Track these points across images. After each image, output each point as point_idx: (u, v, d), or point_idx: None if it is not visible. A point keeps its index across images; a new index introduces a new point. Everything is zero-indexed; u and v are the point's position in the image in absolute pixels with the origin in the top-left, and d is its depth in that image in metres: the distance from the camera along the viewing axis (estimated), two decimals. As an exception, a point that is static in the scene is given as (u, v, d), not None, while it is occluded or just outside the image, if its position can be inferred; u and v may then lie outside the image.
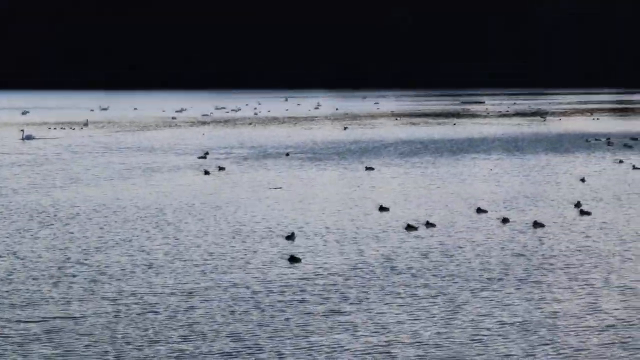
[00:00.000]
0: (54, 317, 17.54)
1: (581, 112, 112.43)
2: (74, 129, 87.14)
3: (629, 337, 15.86)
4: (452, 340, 15.81)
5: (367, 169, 47.97)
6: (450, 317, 17.47)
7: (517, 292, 19.85)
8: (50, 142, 67.69)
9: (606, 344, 15.36)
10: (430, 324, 16.87)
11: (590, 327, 16.62)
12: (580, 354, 14.97)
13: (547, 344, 15.27)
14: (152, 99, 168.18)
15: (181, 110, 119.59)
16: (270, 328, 16.77)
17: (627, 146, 60.28)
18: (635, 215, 32.14)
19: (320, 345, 15.43)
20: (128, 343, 15.91)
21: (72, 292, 20.06)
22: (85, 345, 15.32)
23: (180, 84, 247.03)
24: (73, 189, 40.02)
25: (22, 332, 16.56)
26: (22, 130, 72.92)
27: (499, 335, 15.95)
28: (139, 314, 17.85)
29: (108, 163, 51.46)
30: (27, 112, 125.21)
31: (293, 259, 23.72)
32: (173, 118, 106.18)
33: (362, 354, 14.87)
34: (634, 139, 66.67)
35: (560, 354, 14.81)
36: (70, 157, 55.94)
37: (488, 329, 16.46)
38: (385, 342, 15.51)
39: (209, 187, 40.50)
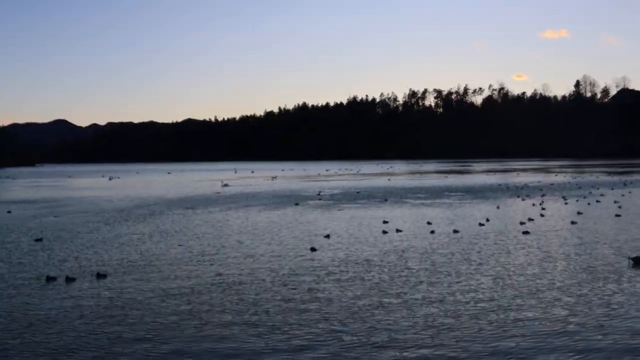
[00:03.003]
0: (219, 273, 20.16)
1: (508, 170, 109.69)
2: (266, 180, 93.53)
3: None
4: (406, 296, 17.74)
5: (385, 200, 48.97)
6: (406, 280, 18.70)
7: (444, 265, 20.87)
8: (237, 187, 73.51)
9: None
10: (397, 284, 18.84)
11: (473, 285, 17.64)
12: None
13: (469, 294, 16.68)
14: (314, 165, 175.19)
15: (326, 170, 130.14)
16: (304, 283, 19.19)
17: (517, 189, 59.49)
18: (510, 227, 30.77)
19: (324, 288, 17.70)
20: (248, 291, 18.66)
21: (223, 254, 22.47)
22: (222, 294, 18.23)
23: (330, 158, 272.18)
24: (237, 211, 42.79)
25: (192, 282, 19.32)
26: (221, 181, 78.64)
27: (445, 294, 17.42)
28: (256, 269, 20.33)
29: (264, 198, 54.87)
30: (253, 171, 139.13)
31: (313, 249, 24.49)
32: (319, 174, 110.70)
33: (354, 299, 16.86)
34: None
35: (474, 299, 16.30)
36: (244, 195, 59.47)
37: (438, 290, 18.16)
38: (370, 293, 17.06)
39: (298, 213, 40.68)
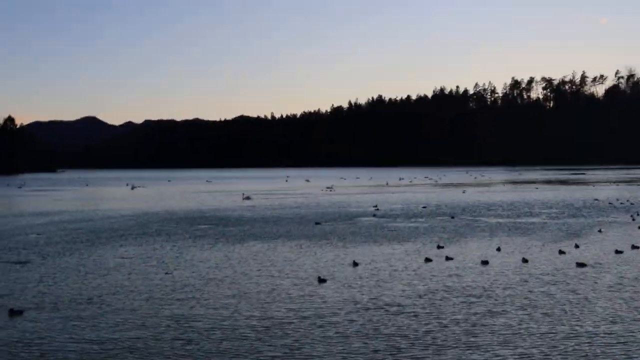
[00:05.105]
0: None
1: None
2: (321, 190, 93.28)
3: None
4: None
5: (452, 218, 47.00)
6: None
7: (493, 316, 18.77)
8: (258, 201, 71.92)
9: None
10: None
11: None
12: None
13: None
14: (386, 171, 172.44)
15: (400, 179, 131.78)
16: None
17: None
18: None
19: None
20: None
21: (208, 290, 20.62)
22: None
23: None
24: (262, 228, 41.68)
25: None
26: (244, 194, 76.44)
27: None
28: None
29: (299, 215, 52.31)
30: (309, 179, 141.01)
31: (321, 281, 23.33)
32: (387, 184, 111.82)
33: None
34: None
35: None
36: (277, 210, 58.27)
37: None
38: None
39: (331, 234, 39.92)
